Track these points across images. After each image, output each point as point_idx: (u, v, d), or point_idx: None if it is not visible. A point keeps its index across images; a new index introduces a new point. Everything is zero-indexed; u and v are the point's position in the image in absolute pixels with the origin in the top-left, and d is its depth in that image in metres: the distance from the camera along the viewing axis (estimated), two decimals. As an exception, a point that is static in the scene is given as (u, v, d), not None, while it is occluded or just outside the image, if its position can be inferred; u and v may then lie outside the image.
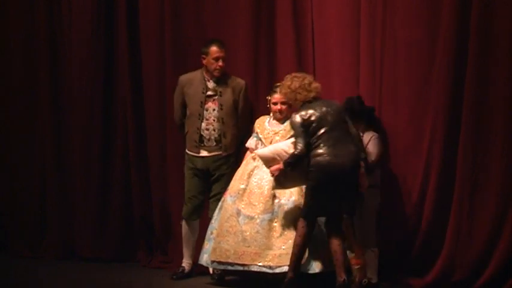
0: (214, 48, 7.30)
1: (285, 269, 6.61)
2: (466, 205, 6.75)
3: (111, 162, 8.25)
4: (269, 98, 7.19)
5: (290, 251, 6.60)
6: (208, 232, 7.12)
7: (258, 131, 7.21)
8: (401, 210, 7.01)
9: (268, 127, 7.17)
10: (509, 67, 6.64)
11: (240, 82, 7.45)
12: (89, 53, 8.25)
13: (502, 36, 6.66)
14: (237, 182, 7.07)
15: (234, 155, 7.42)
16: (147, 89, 8.08)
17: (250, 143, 7.24)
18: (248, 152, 7.27)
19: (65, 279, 7.50)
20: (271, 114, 7.21)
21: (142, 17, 8.10)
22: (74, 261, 8.19)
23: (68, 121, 8.37)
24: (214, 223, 7.08)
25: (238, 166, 7.26)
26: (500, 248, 6.65)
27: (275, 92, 7.11)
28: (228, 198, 7.04)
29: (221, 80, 7.37)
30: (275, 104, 7.12)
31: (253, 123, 7.37)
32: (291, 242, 6.64)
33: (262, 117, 7.28)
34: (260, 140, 7.18)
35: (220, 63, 7.30)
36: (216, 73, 7.32)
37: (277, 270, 6.67)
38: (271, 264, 6.68)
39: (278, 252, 6.70)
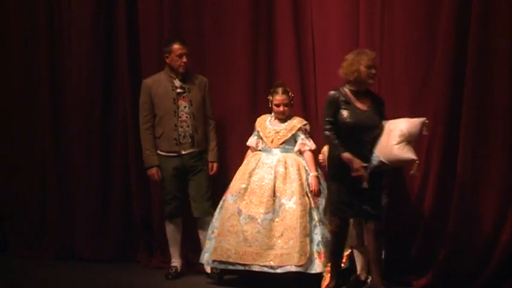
0: (176, 46, 7.33)
1: (287, 268, 6.65)
2: (466, 205, 6.75)
3: (111, 162, 8.23)
4: (270, 98, 7.19)
5: (291, 251, 6.65)
6: (209, 231, 7.13)
7: (259, 129, 7.22)
8: (401, 210, 7.00)
9: (270, 126, 7.18)
10: (509, 67, 6.67)
11: (203, 78, 7.51)
12: (88, 53, 8.23)
13: (501, 36, 6.68)
14: (238, 181, 7.07)
15: (206, 151, 7.46)
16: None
17: (251, 141, 7.26)
18: (249, 151, 7.29)
19: (65, 279, 7.46)
20: (273, 114, 7.22)
21: (141, 17, 8.07)
22: (74, 262, 8.16)
23: (67, 121, 8.35)
24: (215, 222, 7.09)
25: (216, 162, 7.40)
26: (500, 248, 6.67)
27: (277, 92, 7.14)
28: (229, 197, 7.04)
29: (186, 77, 7.41)
30: (277, 105, 7.14)
31: (214, 118, 7.50)
32: (292, 242, 6.67)
33: (263, 116, 7.29)
34: (261, 138, 7.20)
35: (184, 59, 7.33)
36: (181, 69, 7.35)
37: (279, 270, 6.68)
38: (272, 264, 6.69)
39: (280, 252, 6.70)
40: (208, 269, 7.31)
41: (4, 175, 8.58)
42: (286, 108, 7.12)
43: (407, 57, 6.98)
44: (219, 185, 7.48)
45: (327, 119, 6.37)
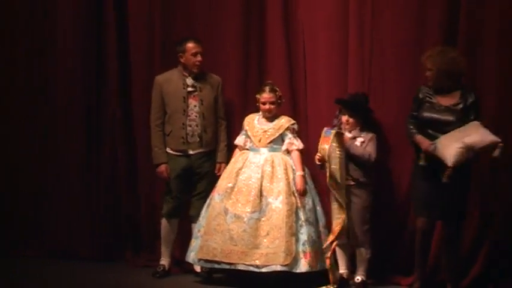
0: (190, 45, 7.31)
1: (273, 268, 6.65)
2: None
3: (98, 161, 8.18)
4: (258, 96, 7.18)
5: (277, 250, 6.65)
6: (195, 230, 7.12)
7: (247, 128, 7.21)
8: (389, 208, 7.03)
9: (258, 125, 7.17)
10: (496, 67, 6.74)
11: (217, 78, 7.48)
12: (77, 57, 8.16)
13: (489, 36, 6.74)
14: (225, 180, 7.05)
15: (214, 151, 7.43)
16: (136, 88, 8.01)
17: (239, 140, 7.25)
18: (237, 150, 7.27)
19: (51, 278, 7.40)
20: (261, 113, 7.21)
21: (131, 20, 8.05)
22: (61, 261, 8.05)
23: (56, 119, 8.26)
24: (202, 221, 7.06)
25: (227, 163, 7.30)
26: (485, 249, 6.75)
27: (264, 91, 7.14)
28: (216, 196, 7.02)
29: (199, 76, 7.38)
30: (264, 103, 7.13)
31: (225, 119, 7.48)
32: (278, 242, 6.67)
33: (251, 115, 7.28)
34: (249, 137, 7.18)
35: (199, 58, 7.31)
36: (195, 69, 7.33)
37: (264, 270, 6.68)
38: (258, 263, 6.68)
39: (265, 251, 6.69)
40: (197, 268, 7.28)
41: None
42: (272, 107, 7.12)
43: (396, 57, 7.03)
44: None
45: (410, 113, 6.50)
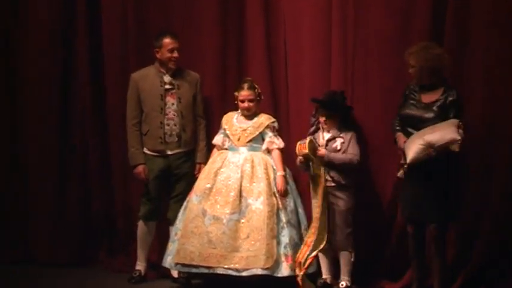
0: (167, 40, 7.20)
1: (253, 271, 6.56)
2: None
3: (70, 160, 8.05)
4: (236, 94, 7.07)
5: (258, 253, 6.56)
6: (172, 233, 7.02)
7: (226, 127, 7.12)
8: (374, 211, 6.92)
9: (236, 123, 7.07)
10: (484, 64, 6.63)
11: (196, 75, 7.38)
12: (46, 53, 8.01)
13: (476, 32, 6.66)
14: (203, 181, 6.94)
15: (194, 151, 7.31)
16: (108, 84, 7.89)
17: (217, 139, 7.15)
18: (215, 149, 7.16)
19: (20, 285, 7.28)
20: (239, 111, 7.11)
21: (104, 10, 7.90)
22: (30, 265, 7.91)
23: (24, 117, 8.12)
24: (179, 224, 6.95)
25: (205, 164, 7.17)
26: (475, 252, 6.63)
27: (242, 88, 7.06)
28: (194, 197, 6.90)
29: (176, 73, 7.28)
30: (242, 101, 7.04)
31: (205, 117, 7.37)
32: (258, 244, 6.59)
33: (230, 113, 7.19)
34: (227, 136, 7.08)
35: (175, 54, 7.21)
36: (171, 65, 7.22)
37: (244, 274, 6.57)
38: (237, 267, 6.58)
39: (245, 254, 6.59)
40: (175, 274, 7.16)
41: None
42: (251, 104, 7.01)
43: (380, 52, 6.92)
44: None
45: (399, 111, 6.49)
